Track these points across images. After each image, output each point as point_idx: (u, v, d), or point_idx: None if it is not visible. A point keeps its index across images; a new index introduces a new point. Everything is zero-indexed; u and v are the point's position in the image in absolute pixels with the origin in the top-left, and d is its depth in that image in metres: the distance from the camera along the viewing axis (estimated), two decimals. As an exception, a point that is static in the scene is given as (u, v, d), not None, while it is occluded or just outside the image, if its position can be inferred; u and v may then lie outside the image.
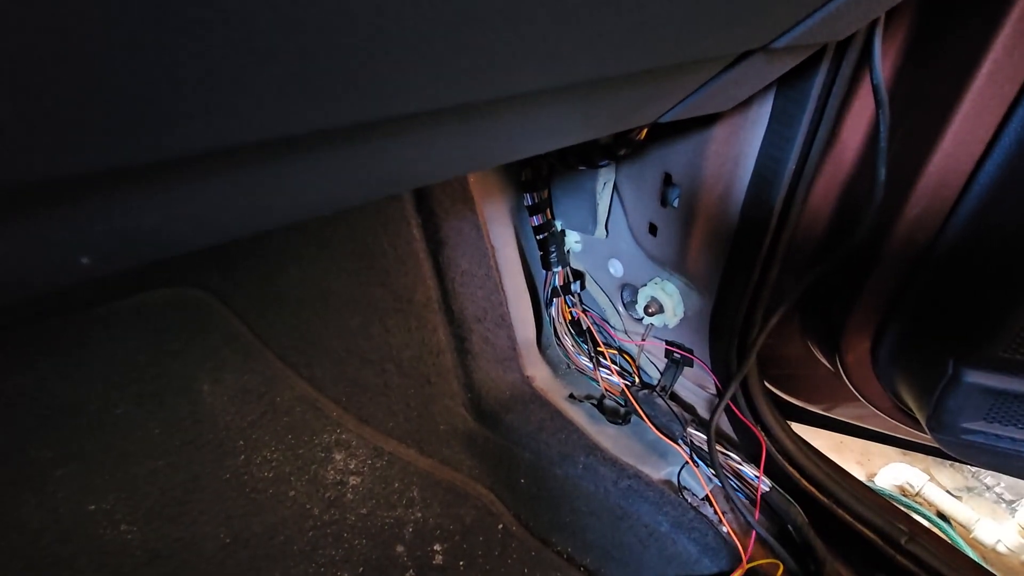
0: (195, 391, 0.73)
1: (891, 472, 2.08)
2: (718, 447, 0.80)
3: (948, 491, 2.02)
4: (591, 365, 0.93)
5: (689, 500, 0.80)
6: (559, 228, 0.90)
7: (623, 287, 0.89)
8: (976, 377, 0.54)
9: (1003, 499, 2.07)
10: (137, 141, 0.16)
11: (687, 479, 0.84)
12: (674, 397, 0.90)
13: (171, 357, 0.72)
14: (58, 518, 0.65)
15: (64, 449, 0.66)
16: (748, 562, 0.72)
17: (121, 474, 0.68)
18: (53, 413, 0.66)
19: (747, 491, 0.75)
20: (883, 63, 0.51)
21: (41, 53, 0.14)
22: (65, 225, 0.17)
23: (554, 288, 0.92)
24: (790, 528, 0.71)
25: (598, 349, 0.94)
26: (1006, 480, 2.07)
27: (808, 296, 0.73)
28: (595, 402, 0.96)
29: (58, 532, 0.64)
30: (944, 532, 1.84)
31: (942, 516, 1.94)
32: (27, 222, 0.16)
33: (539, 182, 0.85)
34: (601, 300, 0.95)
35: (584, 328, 0.95)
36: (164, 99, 0.16)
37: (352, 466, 0.81)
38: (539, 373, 0.99)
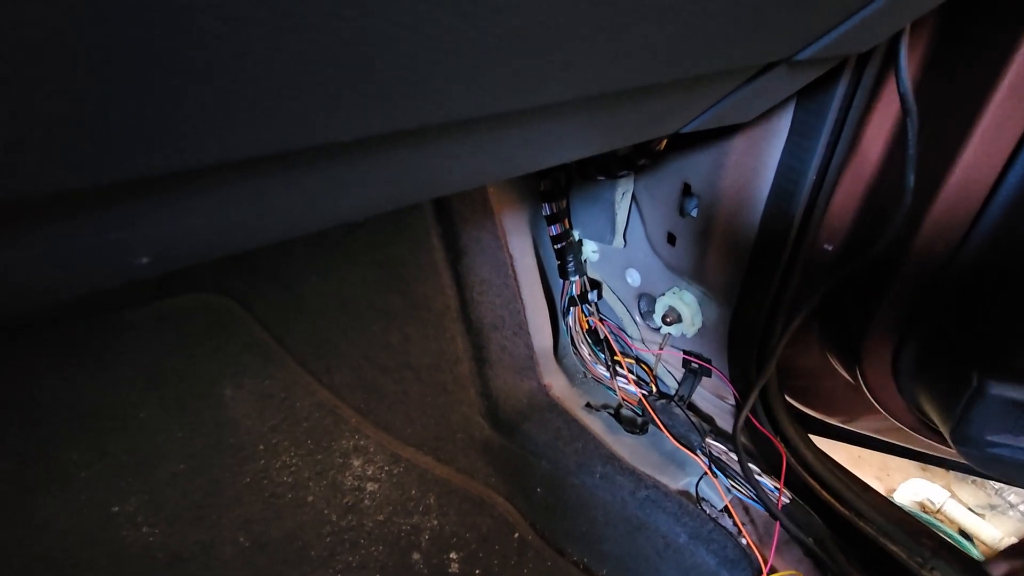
0: (217, 396, 0.74)
1: (911, 488, 2.03)
2: (737, 458, 0.79)
3: (970, 508, 1.97)
4: (608, 374, 0.93)
5: (708, 511, 0.80)
6: (577, 238, 0.91)
7: (640, 296, 0.89)
8: (1001, 389, 0.54)
9: (1027, 518, 2.01)
10: (201, 145, 0.17)
11: (705, 490, 0.83)
12: (692, 407, 0.90)
13: (194, 362, 0.73)
14: (82, 519, 0.66)
15: (89, 451, 0.67)
16: (768, 574, 0.71)
17: (144, 477, 0.69)
18: (79, 415, 0.67)
19: (767, 503, 0.75)
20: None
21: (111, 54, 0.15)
22: (131, 224, 0.18)
23: (571, 297, 0.93)
24: (811, 541, 0.71)
25: (615, 358, 0.95)
26: (1030, 498, 2.02)
27: (827, 306, 0.73)
28: (612, 411, 0.95)
29: (82, 533, 0.65)
30: (967, 551, 1.80)
31: (964, 534, 1.90)
32: (97, 221, 0.17)
33: (557, 192, 0.86)
34: (618, 309, 0.95)
35: (601, 337, 0.95)
36: (230, 105, 0.16)
37: (370, 472, 0.81)
38: (556, 382, 0.99)
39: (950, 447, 0.61)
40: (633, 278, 0.87)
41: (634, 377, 0.92)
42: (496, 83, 0.24)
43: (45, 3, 0.13)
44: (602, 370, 0.95)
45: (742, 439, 0.79)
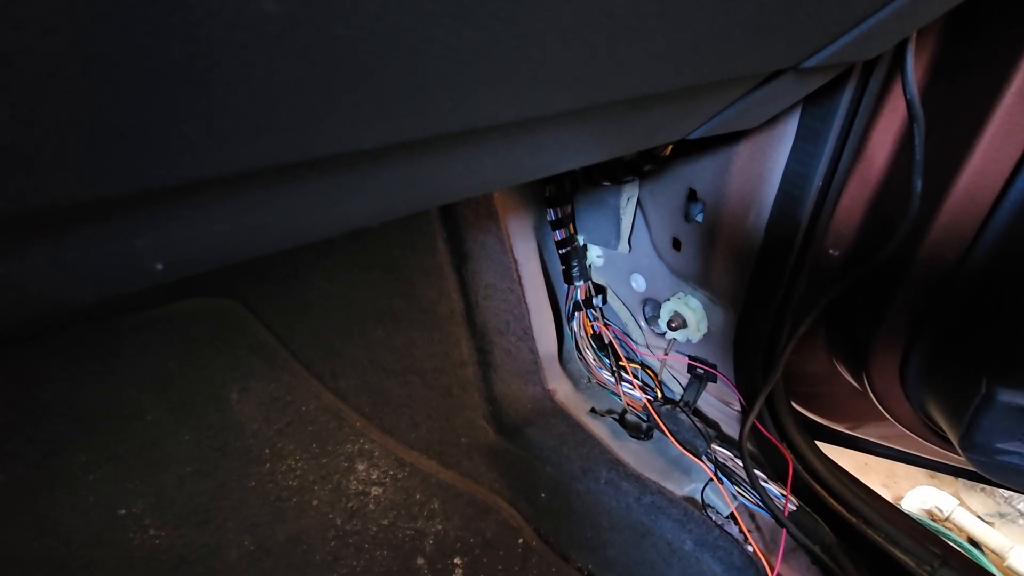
0: (224, 399, 0.75)
1: (918, 495, 2.02)
2: (743, 464, 0.79)
3: (979, 516, 1.95)
4: (613, 379, 0.93)
5: (713, 518, 0.79)
6: (581, 243, 0.91)
7: (645, 301, 0.89)
8: (1011, 396, 0.53)
9: (1037, 526, 1.99)
10: (225, 154, 0.17)
11: (711, 497, 0.83)
12: (697, 413, 0.90)
13: (201, 365, 0.74)
14: (89, 522, 0.66)
15: (97, 454, 0.68)
16: (775, 582, 0.71)
17: (151, 479, 0.69)
18: (85, 418, 0.68)
19: (773, 509, 0.74)
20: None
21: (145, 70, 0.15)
22: (148, 230, 0.18)
23: (576, 302, 0.93)
24: (818, 548, 0.70)
25: (620, 363, 0.94)
26: (1040, 506, 1.99)
27: (834, 312, 0.73)
28: (617, 417, 0.95)
29: (88, 535, 0.65)
30: (976, 559, 1.78)
31: (973, 542, 1.88)
32: (110, 228, 0.17)
33: (562, 197, 0.86)
34: (623, 314, 0.95)
35: (606, 342, 0.95)
36: (238, 115, 0.17)
37: (374, 476, 0.81)
38: (561, 387, 0.99)
39: (958, 454, 0.60)
40: (638, 283, 0.87)
41: (639, 382, 0.92)
42: (506, 93, 0.25)
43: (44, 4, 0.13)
44: (607, 375, 0.94)
45: (748, 445, 0.79)
